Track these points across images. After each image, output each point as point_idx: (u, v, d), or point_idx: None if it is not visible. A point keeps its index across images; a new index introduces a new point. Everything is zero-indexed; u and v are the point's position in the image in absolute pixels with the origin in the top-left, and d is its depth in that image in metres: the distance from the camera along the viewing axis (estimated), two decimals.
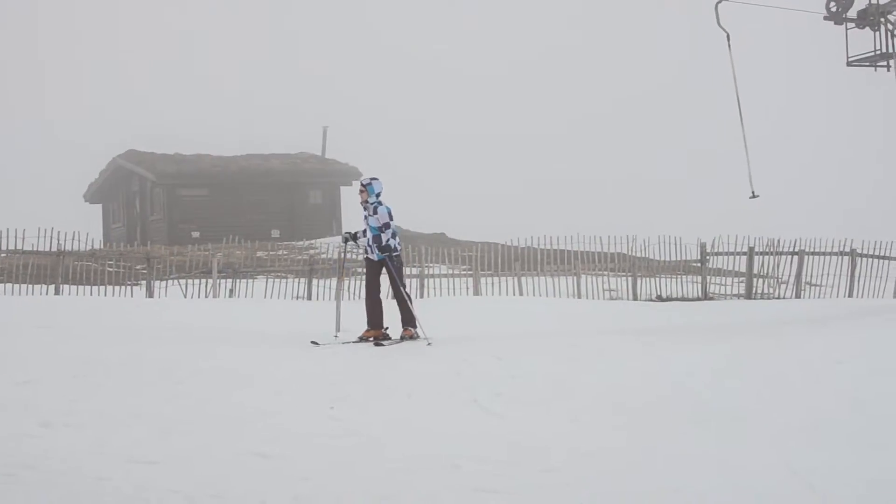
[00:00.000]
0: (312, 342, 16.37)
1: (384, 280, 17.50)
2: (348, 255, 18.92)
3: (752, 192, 20.28)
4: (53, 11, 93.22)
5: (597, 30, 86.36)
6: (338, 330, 17.45)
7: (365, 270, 17.94)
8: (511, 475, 8.73)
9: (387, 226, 17.09)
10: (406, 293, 17.41)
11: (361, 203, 17.35)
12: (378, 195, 17.19)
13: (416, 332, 17.18)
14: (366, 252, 17.56)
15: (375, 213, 17.13)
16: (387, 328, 17.21)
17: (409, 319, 17.28)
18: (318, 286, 28.61)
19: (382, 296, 17.47)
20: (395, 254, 17.26)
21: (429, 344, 16.38)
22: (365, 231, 17.39)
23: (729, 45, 19.87)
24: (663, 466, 8.98)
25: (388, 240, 17.11)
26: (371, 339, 16.87)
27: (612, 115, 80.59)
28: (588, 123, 80.00)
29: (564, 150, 78.46)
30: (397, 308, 17.39)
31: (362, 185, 17.34)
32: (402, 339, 17.07)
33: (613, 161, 78.16)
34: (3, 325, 18.79)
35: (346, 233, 17.76)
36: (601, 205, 68.27)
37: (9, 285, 29.13)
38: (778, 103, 77.93)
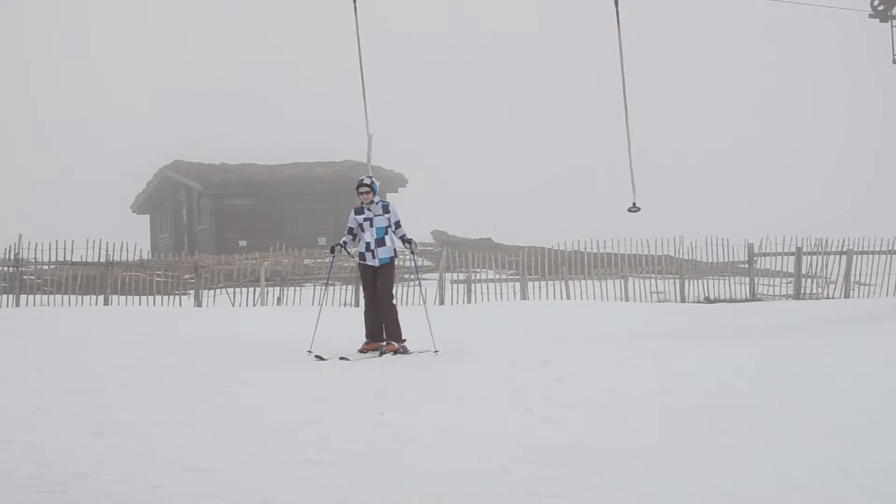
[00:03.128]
0: (317, 356, 15.61)
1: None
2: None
3: (633, 204, 18.52)
4: (103, 20, 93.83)
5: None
6: (313, 344, 16.35)
7: (360, 278, 16.96)
8: (561, 478, 8.73)
9: (399, 224, 16.47)
10: (395, 304, 16.56)
11: (365, 204, 16.36)
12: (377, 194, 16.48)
13: (401, 348, 16.23)
14: (361, 258, 16.56)
15: (387, 211, 16.43)
16: (405, 340, 16.40)
17: (395, 334, 16.30)
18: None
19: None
20: (396, 258, 16.67)
21: (436, 351, 16.13)
22: (345, 242, 16.61)
23: (617, 11, 17.87)
24: (712, 468, 8.95)
25: (403, 235, 16.48)
26: (368, 352, 16.07)
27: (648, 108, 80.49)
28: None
29: (598, 142, 78.35)
30: (382, 320, 16.36)
31: (366, 184, 16.31)
32: (383, 353, 16.04)
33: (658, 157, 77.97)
34: (53, 336, 18.93)
35: (335, 245, 16.71)
36: (646, 204, 67.96)
37: (58, 296, 29.36)
38: (815, 101, 77.68)
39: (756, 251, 31.78)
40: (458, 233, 50.97)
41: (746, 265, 32.03)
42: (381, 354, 16.02)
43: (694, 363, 13.89)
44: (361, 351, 16.15)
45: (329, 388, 12.97)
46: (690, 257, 32.14)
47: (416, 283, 19.26)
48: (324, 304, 20.59)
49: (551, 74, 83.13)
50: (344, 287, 29.79)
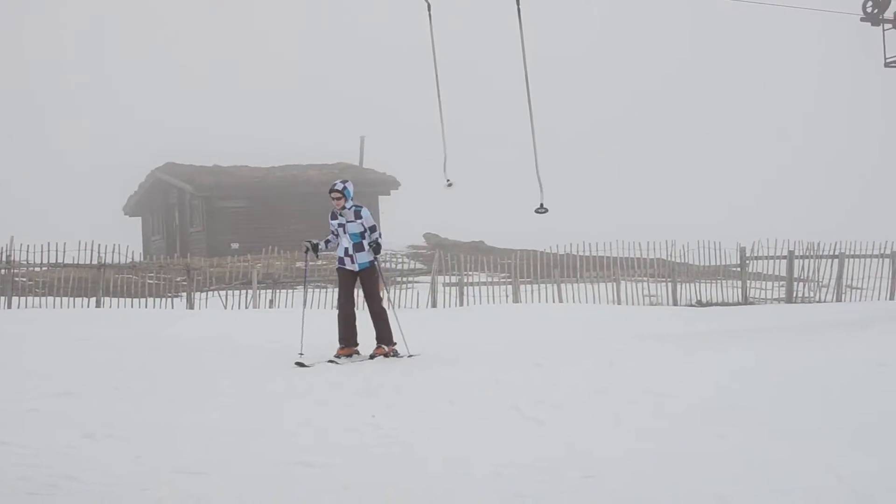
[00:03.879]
0: (298, 364, 15.25)
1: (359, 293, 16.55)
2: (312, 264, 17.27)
3: (541, 205, 18.04)
4: (93, 24, 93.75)
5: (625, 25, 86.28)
6: (303, 348, 15.98)
7: (338, 282, 16.54)
8: (553, 481, 8.71)
9: (374, 228, 16.16)
10: (384, 307, 16.32)
11: (337, 210, 16.10)
12: (351, 199, 16.17)
13: (391, 351, 16.09)
14: (340, 262, 16.26)
15: (359, 217, 16.08)
16: (395, 343, 16.24)
17: (386, 337, 16.15)
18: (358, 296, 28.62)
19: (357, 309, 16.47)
20: (376, 262, 16.30)
21: (410, 356, 16.00)
22: (328, 241, 16.35)
23: (519, 11, 17.33)
24: (706, 471, 8.94)
25: (378, 238, 16.16)
26: (342, 357, 15.82)
27: (635, 113, 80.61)
28: (623, 117, 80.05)
29: (595, 149, 78.40)
30: (371, 323, 16.21)
31: (337, 190, 16.01)
32: (373, 357, 15.90)
33: (646, 161, 78.10)
34: (44, 338, 18.90)
35: (308, 242, 16.47)
36: (637, 207, 68.17)
37: (50, 298, 29.32)
38: (811, 105, 77.81)
39: (748, 255, 31.82)
40: (451, 235, 50.95)
41: (738, 269, 32.06)
42: (371, 357, 15.87)
43: (687, 366, 13.89)
44: (336, 356, 15.85)
45: (322, 391, 12.97)
46: (683, 260, 32.18)
47: (384, 288, 18.98)
48: (310, 306, 20.59)
49: (550, 82, 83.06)
50: (334, 290, 29.76)
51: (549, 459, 9.46)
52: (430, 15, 17.60)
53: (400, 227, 49.62)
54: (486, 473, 8.99)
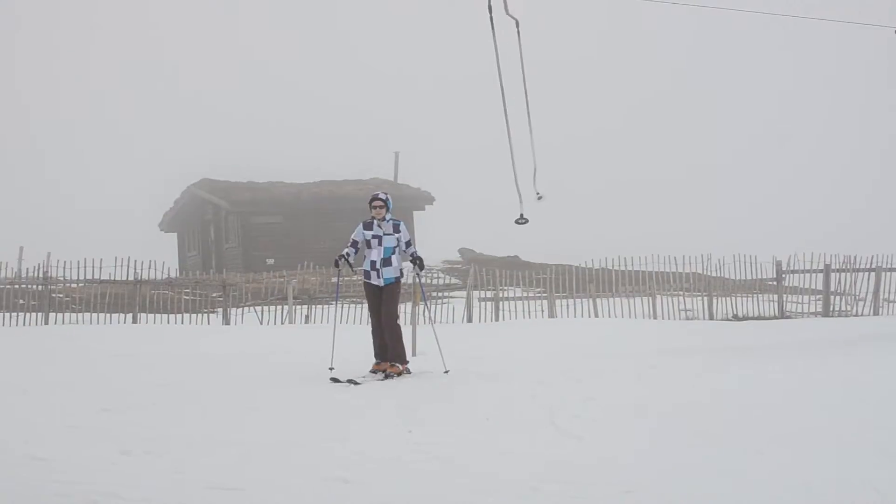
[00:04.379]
0: (332, 379, 15.19)
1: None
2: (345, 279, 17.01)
3: (521, 216, 17.45)
4: (127, 40, 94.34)
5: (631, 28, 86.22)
6: (333, 362, 16.03)
7: (366, 297, 16.22)
8: (591, 497, 8.68)
9: (409, 243, 15.99)
10: (399, 325, 16.08)
11: (376, 220, 15.86)
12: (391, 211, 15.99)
13: (404, 370, 15.86)
14: (366, 276, 16.02)
15: (397, 230, 15.91)
16: (408, 362, 16.10)
17: (399, 355, 15.89)
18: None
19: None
20: (402, 278, 16.12)
21: (446, 371, 15.97)
22: (354, 252, 15.98)
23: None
24: (744, 488, 8.89)
25: (413, 252, 16.03)
26: (378, 372, 15.70)
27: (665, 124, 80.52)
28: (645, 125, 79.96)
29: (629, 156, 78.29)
30: (386, 341, 15.90)
31: (381, 199, 15.90)
32: (388, 376, 15.63)
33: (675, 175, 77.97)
34: (81, 354, 18.98)
35: (341, 256, 15.91)
36: (672, 219, 68.07)
37: (87, 314, 29.45)
38: (845, 117, 77.55)
39: (784, 268, 31.71)
40: (485, 250, 50.95)
41: (775, 282, 31.94)
42: (385, 377, 15.62)
43: (724, 381, 13.84)
44: (372, 371, 15.78)
45: (358, 407, 12.96)
46: (718, 274, 32.09)
47: (424, 303, 18.83)
48: (342, 321, 20.53)
49: (582, 98, 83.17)
50: (365, 304, 29.78)
51: (587, 475, 9.42)
52: (518, 32, 17.58)
53: (435, 242, 49.67)
54: (523, 489, 8.96)
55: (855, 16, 26.50)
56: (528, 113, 18.00)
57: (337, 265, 16.02)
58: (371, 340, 16.17)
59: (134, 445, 10.49)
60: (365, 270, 16.02)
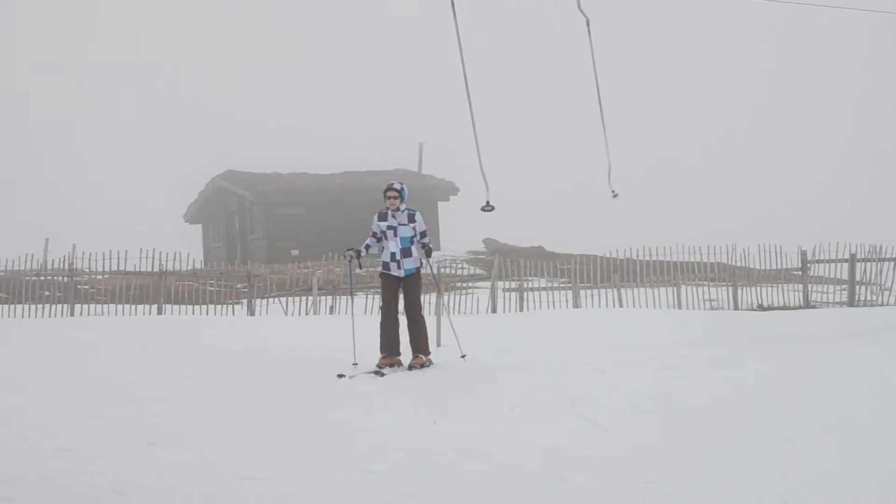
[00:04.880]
0: (339, 375, 14.82)
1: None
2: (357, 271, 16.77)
3: (487, 203, 17.43)
4: (158, 34, 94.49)
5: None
6: (356, 357, 15.83)
7: (382, 288, 15.98)
8: (616, 487, 8.69)
9: (424, 233, 15.67)
10: (423, 315, 15.87)
11: (390, 210, 15.57)
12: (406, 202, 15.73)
13: (427, 361, 15.64)
14: (385, 268, 15.75)
15: (412, 220, 15.59)
16: (430, 353, 15.87)
17: (423, 347, 15.67)
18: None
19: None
20: (423, 268, 15.87)
21: (462, 356, 16.11)
22: (368, 246, 15.80)
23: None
24: (770, 477, 8.88)
25: (425, 242, 15.69)
26: (385, 367, 15.31)
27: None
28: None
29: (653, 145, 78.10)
30: (408, 332, 15.68)
31: (395, 189, 15.56)
32: (412, 367, 15.43)
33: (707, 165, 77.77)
34: (107, 346, 19.04)
35: (352, 249, 15.88)
36: (699, 209, 67.93)
37: (112, 306, 29.55)
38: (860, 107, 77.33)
39: (809, 258, 31.61)
40: (510, 241, 50.90)
41: (800, 272, 31.85)
42: (409, 369, 15.44)
43: (749, 371, 13.80)
44: (378, 366, 15.38)
45: (382, 398, 12.97)
46: (743, 264, 32.01)
47: (436, 292, 18.80)
48: (365, 312, 20.50)
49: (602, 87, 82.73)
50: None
51: (612, 465, 9.44)
52: (588, 31, 17.65)
53: (459, 232, 49.64)
54: (549, 478, 8.97)
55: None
56: (602, 112, 18.12)
57: (350, 260, 15.98)
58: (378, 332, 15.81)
59: (160, 436, 10.54)
60: (384, 262, 15.76)
